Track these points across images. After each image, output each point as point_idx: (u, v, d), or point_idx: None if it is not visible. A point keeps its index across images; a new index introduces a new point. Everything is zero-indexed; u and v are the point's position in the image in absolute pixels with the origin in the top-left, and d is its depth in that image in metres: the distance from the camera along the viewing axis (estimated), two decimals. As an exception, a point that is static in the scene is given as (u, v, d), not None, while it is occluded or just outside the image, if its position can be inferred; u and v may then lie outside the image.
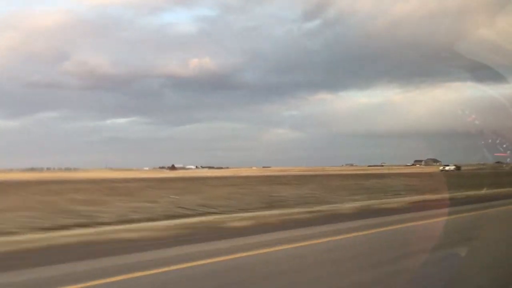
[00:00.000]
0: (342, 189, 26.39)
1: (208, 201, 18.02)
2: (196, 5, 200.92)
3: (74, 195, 23.61)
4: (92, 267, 6.01)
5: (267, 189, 28.04)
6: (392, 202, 15.68)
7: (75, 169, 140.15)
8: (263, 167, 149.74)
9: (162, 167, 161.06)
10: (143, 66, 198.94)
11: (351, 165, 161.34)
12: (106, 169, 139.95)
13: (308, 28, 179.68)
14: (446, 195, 16.97)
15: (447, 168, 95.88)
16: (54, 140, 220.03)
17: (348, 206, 14.52)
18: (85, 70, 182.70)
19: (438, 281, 5.14)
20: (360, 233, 8.79)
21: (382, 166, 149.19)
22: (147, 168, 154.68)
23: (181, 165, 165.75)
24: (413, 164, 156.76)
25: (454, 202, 14.31)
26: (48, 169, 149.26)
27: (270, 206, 15.51)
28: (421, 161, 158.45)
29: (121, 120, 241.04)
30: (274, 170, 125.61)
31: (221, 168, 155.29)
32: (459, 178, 39.49)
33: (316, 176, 58.67)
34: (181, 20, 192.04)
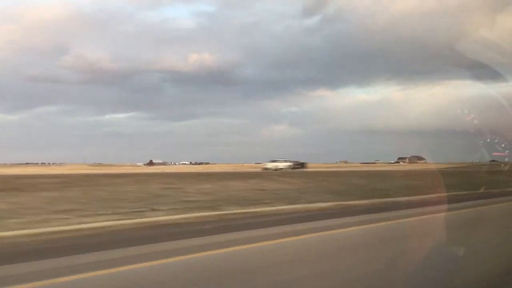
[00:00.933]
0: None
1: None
2: (196, 0, 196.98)
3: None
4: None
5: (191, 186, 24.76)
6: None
7: (61, 164, 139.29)
8: (256, 163, 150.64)
9: (152, 163, 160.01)
10: (142, 61, 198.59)
11: (346, 162, 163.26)
12: (83, 164, 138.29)
13: (307, 24, 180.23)
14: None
15: (270, 166, 65.83)
16: (52, 135, 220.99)
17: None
18: (84, 64, 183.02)
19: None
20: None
21: (375, 163, 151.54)
22: (128, 164, 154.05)
23: (160, 161, 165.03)
24: (396, 162, 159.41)
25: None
26: (43, 163, 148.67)
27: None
28: (405, 158, 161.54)
29: (120, 115, 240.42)
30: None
31: (214, 164, 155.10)
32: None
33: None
34: (181, 15, 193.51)
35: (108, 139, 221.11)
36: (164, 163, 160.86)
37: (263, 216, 11.58)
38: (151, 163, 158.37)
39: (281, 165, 65.07)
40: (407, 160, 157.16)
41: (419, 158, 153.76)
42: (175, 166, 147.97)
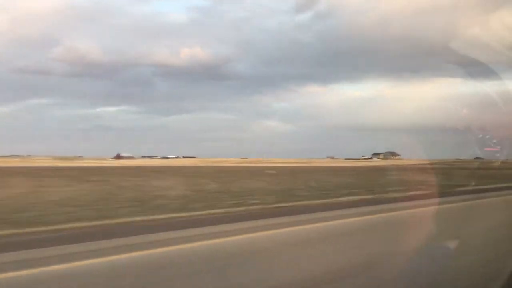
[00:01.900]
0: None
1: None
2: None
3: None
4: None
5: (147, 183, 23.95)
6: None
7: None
8: (241, 157, 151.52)
9: (119, 156, 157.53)
10: (133, 54, 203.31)
11: (332, 158, 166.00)
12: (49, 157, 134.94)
13: (300, 20, 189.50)
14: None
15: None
16: (42, 127, 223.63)
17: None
18: (75, 56, 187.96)
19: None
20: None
21: (371, 159, 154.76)
22: (107, 157, 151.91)
23: (128, 154, 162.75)
24: (370, 158, 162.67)
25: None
26: (29, 156, 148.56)
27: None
28: (379, 154, 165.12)
29: (111, 109, 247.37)
30: (249, 161, 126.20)
31: (196, 158, 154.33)
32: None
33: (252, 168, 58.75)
34: (173, 9, 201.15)
35: (98, 132, 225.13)
36: (131, 157, 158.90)
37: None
38: (118, 157, 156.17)
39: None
40: (381, 156, 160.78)
41: (394, 154, 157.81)
42: (158, 160, 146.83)
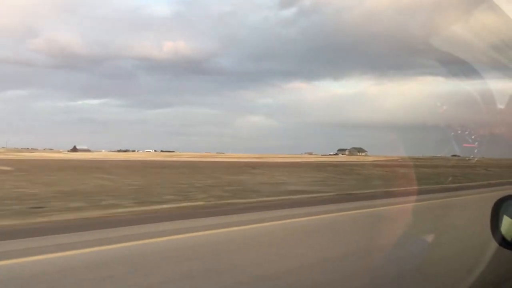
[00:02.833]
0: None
1: None
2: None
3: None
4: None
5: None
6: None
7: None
8: (217, 152, 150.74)
9: (75, 149, 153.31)
10: (115, 46, 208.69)
11: (311, 153, 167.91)
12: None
13: (284, 16, 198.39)
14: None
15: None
16: (22, 119, 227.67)
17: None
18: (55, 47, 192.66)
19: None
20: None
21: (337, 155, 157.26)
22: (63, 150, 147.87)
23: (85, 147, 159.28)
24: (335, 154, 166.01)
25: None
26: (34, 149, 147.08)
27: None
28: (344, 150, 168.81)
29: (93, 101, 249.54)
30: (213, 156, 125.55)
31: (182, 153, 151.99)
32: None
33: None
34: (156, 2, 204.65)
35: (78, 125, 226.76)
36: (87, 150, 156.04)
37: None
38: (74, 149, 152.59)
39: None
40: (347, 152, 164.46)
41: (360, 150, 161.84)
42: (137, 153, 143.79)
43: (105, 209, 10.96)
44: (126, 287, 5.00)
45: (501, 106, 10.73)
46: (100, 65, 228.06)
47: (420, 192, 16.26)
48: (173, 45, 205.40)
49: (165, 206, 11.90)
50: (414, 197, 14.12)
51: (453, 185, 22.21)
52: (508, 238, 2.38)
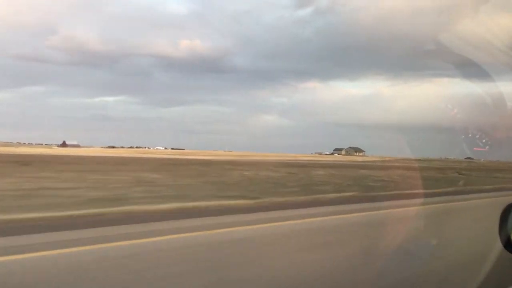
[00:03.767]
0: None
1: None
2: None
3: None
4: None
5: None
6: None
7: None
8: (225, 150, 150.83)
9: (65, 144, 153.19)
10: (132, 44, 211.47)
11: (320, 153, 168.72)
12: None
13: (300, 16, 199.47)
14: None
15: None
16: (39, 115, 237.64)
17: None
18: (73, 45, 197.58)
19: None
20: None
21: (332, 154, 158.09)
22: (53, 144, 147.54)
23: (75, 142, 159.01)
24: (331, 153, 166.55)
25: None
26: (19, 143, 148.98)
27: None
28: (341, 149, 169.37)
29: (109, 99, 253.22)
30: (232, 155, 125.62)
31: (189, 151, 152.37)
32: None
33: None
34: (172, 0, 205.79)
35: (94, 121, 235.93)
36: (77, 145, 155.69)
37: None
38: (64, 145, 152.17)
39: None
40: (343, 152, 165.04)
41: (357, 150, 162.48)
42: (146, 150, 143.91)
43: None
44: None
45: None
46: (116, 62, 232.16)
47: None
48: (189, 43, 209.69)
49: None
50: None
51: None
52: None
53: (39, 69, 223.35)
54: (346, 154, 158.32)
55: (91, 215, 9.61)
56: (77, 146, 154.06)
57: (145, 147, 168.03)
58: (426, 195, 15.45)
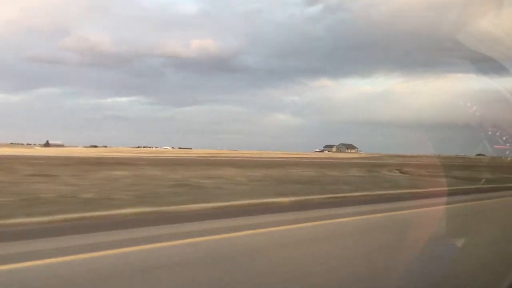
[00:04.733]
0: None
1: None
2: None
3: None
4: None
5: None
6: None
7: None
8: (229, 149, 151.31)
9: (48, 144, 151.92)
10: (144, 45, 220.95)
11: (330, 150, 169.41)
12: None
13: (310, 13, 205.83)
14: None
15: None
16: (54, 116, 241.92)
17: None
18: (85, 46, 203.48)
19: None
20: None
21: (322, 151, 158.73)
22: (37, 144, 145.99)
23: (59, 142, 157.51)
24: (322, 150, 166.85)
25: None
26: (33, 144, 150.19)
27: None
28: (332, 146, 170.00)
29: (122, 99, 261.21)
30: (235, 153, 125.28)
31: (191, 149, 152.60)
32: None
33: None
34: (183, 0, 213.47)
35: (108, 122, 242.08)
36: (61, 145, 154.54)
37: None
38: (47, 144, 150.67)
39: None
40: (334, 149, 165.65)
41: (349, 147, 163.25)
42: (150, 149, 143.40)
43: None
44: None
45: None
46: (129, 63, 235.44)
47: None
48: (200, 43, 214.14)
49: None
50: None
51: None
52: None
53: (52, 71, 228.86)
54: (337, 151, 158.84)
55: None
56: (61, 145, 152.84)
57: (151, 147, 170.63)
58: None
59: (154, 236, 7.62)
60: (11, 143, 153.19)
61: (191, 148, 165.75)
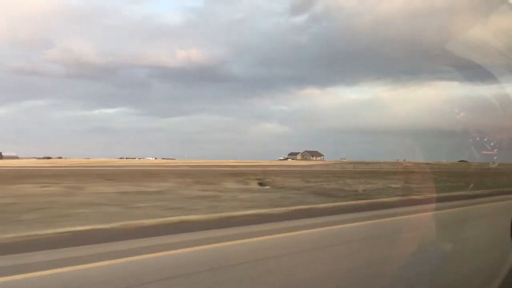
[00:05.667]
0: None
1: None
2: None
3: None
4: None
5: None
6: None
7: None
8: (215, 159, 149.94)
9: (1, 156, 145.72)
10: (129, 56, 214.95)
11: (322, 159, 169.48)
12: None
13: (295, 22, 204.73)
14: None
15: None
16: (40, 129, 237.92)
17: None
18: (70, 58, 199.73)
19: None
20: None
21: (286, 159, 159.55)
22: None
23: (13, 154, 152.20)
24: (285, 158, 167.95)
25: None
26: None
27: None
28: (296, 153, 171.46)
29: (109, 110, 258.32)
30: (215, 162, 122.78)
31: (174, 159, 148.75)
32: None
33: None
34: (167, 10, 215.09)
35: (95, 134, 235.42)
36: (15, 157, 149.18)
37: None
38: (0, 156, 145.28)
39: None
40: (298, 156, 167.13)
41: (314, 154, 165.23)
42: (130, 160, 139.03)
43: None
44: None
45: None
46: (114, 74, 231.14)
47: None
48: (185, 53, 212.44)
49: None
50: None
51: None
52: None
53: (37, 83, 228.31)
54: (301, 159, 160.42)
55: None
56: (15, 157, 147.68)
57: (134, 158, 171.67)
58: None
59: None
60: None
61: (174, 158, 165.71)
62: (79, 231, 9.72)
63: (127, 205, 16.24)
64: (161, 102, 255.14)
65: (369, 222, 12.57)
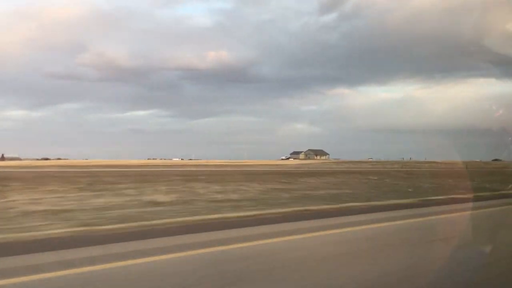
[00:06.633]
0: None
1: None
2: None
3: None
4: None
5: None
6: None
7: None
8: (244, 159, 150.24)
9: (3, 158, 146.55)
10: (160, 58, 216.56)
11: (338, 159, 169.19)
12: None
13: (324, 21, 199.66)
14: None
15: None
16: (75, 131, 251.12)
17: None
18: (102, 61, 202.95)
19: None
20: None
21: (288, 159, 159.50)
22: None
23: (15, 155, 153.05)
24: (287, 158, 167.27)
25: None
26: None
27: None
28: (299, 152, 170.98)
29: (141, 113, 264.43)
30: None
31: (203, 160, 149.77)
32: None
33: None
34: (197, 13, 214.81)
35: (129, 136, 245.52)
36: (17, 158, 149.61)
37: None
38: (2, 158, 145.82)
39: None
40: (301, 156, 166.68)
41: (318, 153, 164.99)
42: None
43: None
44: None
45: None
46: (146, 76, 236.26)
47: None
48: (215, 55, 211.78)
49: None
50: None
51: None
52: None
53: (71, 87, 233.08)
54: (305, 158, 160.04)
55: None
56: (18, 159, 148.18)
57: (161, 159, 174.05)
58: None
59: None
60: None
61: (199, 159, 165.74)
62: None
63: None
64: (191, 104, 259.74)
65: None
